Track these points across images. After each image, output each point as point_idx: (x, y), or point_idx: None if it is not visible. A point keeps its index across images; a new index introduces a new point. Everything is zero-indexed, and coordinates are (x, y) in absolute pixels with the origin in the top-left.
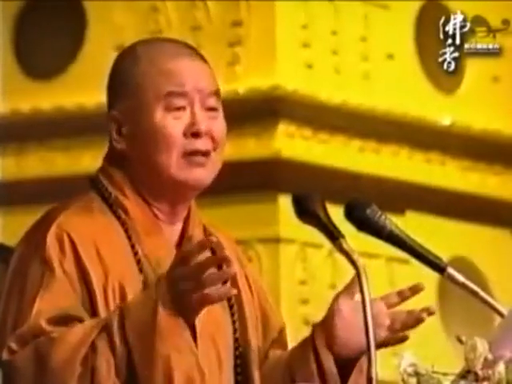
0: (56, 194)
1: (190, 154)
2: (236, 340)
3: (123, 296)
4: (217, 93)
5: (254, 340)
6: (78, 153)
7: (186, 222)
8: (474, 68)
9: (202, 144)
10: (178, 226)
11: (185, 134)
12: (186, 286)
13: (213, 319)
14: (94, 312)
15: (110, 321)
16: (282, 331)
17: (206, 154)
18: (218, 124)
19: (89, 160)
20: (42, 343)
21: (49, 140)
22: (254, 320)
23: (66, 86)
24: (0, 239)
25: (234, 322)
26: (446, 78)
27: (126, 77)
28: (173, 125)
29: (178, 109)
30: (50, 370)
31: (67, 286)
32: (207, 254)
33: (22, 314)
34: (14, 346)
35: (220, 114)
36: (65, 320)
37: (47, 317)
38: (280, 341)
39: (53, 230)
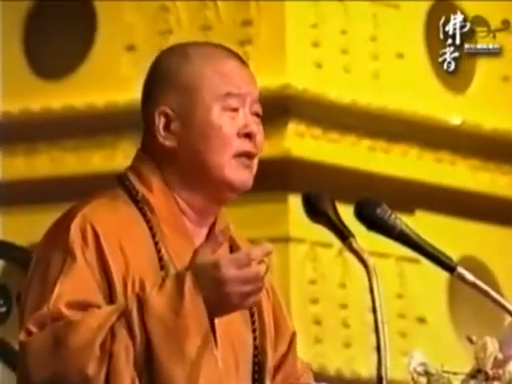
0: (66, 193)
1: (240, 156)
2: (255, 348)
3: (143, 290)
4: (259, 99)
5: (270, 349)
6: (88, 152)
7: (212, 228)
8: (483, 67)
9: (251, 146)
10: (204, 231)
11: (238, 135)
12: (243, 288)
13: (233, 325)
14: (112, 304)
15: (128, 308)
16: (291, 341)
17: (253, 156)
18: (261, 130)
19: (99, 160)
20: (60, 327)
21: (59, 140)
22: (271, 329)
23: (76, 85)
24: (11, 239)
25: (254, 330)
26: (456, 78)
27: (179, 74)
28: (229, 125)
29: (233, 110)
30: (68, 353)
31: (88, 275)
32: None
33: (42, 297)
34: (32, 327)
35: (260, 122)
36: (83, 306)
37: (66, 301)
38: (289, 353)
39: (77, 220)
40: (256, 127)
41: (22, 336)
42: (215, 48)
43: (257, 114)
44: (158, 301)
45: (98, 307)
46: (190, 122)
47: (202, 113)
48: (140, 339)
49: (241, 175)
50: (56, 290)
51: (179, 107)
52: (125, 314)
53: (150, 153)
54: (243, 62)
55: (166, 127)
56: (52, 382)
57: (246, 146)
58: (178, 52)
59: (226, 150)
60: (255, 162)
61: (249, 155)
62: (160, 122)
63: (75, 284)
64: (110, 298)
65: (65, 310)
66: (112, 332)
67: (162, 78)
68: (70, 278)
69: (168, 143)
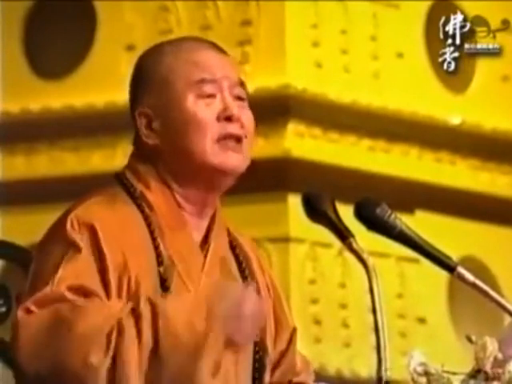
0: (66, 193)
1: (223, 139)
2: (256, 344)
3: (138, 287)
4: (242, 83)
5: (270, 346)
6: (87, 152)
7: (212, 221)
8: (483, 67)
9: (235, 128)
10: (204, 224)
11: (218, 119)
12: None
13: None
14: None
15: (139, 309)
16: (291, 338)
17: (239, 139)
18: (246, 112)
19: (98, 159)
20: (64, 308)
21: (58, 139)
22: (271, 325)
23: (76, 85)
24: (10, 239)
25: None
26: (456, 78)
27: (153, 72)
28: (205, 110)
29: (209, 96)
30: (73, 337)
31: (89, 263)
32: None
33: (43, 280)
34: (32, 307)
35: (247, 104)
36: (84, 292)
37: (69, 284)
38: (288, 350)
39: (75, 216)
40: (238, 110)
41: (21, 313)
42: (191, 41)
43: (239, 98)
44: (173, 313)
45: (98, 296)
46: (167, 115)
47: (178, 104)
48: (147, 343)
49: (225, 158)
50: (58, 273)
51: (156, 104)
52: (134, 314)
53: (141, 152)
54: (221, 51)
55: (148, 126)
56: (50, 362)
57: (228, 128)
58: (155, 50)
59: (204, 135)
60: (245, 144)
61: (233, 137)
62: (142, 124)
63: (77, 270)
64: (105, 293)
65: (67, 294)
66: (119, 326)
67: (139, 78)
68: (72, 265)
69: (151, 141)
